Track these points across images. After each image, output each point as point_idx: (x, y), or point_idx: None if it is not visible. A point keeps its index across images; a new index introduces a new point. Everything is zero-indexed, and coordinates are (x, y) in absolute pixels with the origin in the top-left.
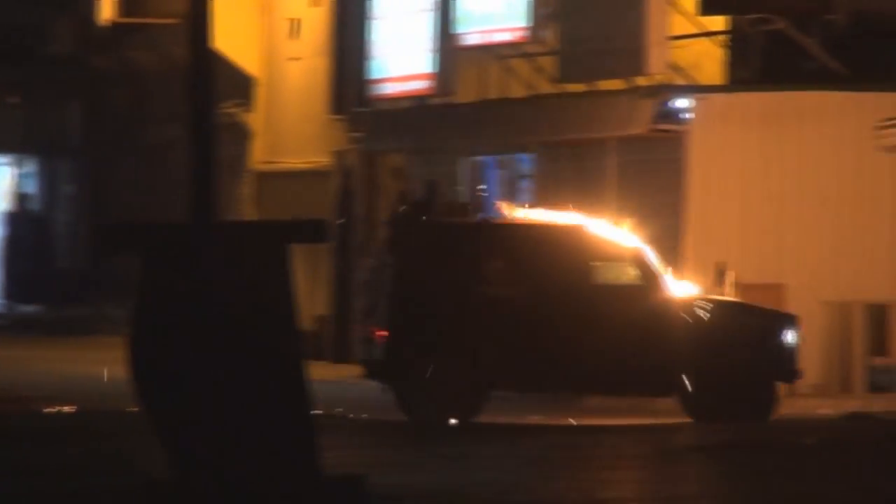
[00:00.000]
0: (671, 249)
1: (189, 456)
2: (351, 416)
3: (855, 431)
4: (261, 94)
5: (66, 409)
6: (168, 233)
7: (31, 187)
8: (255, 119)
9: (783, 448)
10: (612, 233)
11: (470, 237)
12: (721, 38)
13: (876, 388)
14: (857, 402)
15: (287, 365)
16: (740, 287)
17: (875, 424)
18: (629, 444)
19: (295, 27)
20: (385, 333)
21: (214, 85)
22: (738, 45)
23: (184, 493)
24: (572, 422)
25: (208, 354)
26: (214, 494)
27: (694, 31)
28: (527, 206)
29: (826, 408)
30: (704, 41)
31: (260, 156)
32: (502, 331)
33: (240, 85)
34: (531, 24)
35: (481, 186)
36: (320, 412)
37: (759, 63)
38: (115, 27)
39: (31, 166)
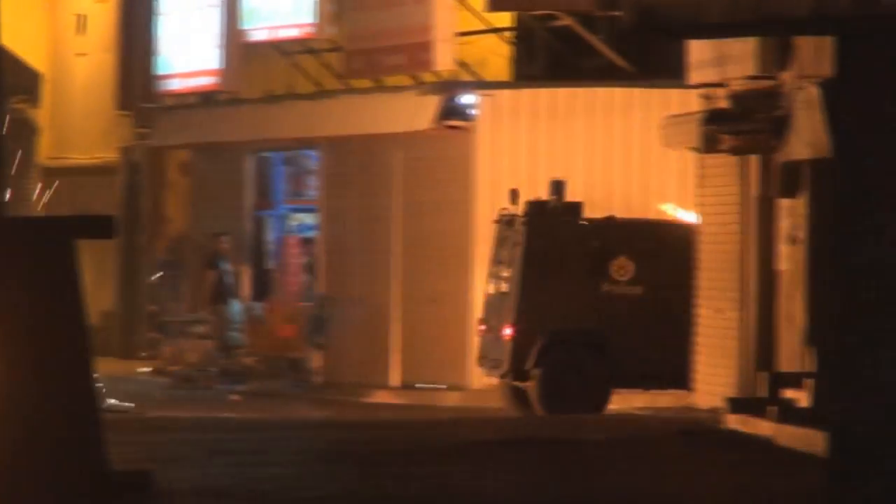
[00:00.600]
0: (457, 247)
1: None
2: (138, 411)
3: (660, 428)
4: (47, 90)
5: None
6: None
7: None
8: (41, 115)
9: (569, 442)
10: None
11: (597, 234)
12: (508, 34)
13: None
14: (644, 399)
15: (74, 360)
16: None
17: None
18: (416, 440)
19: (82, 23)
20: (513, 331)
21: (3, 80)
22: (525, 42)
23: None
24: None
25: None
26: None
27: (481, 27)
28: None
29: (614, 404)
30: (491, 38)
31: (46, 152)
32: (629, 327)
33: (26, 80)
34: (318, 21)
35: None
36: (109, 407)
37: (546, 60)
38: None
39: None
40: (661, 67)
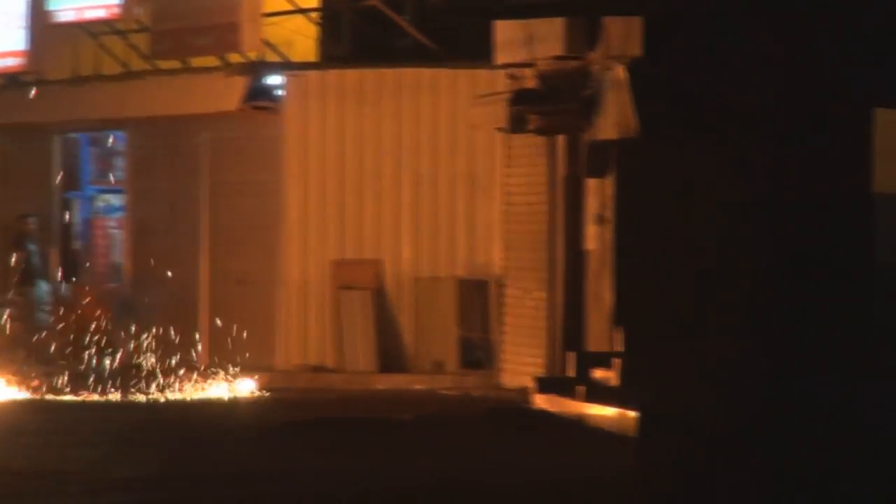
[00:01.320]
0: (269, 228)
1: None
2: None
3: (460, 407)
4: None
5: None
6: None
7: None
8: None
9: (377, 422)
10: None
11: None
12: (314, 15)
13: (469, 364)
14: (451, 379)
15: None
16: (338, 264)
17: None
18: (220, 422)
19: None
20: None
21: None
22: (331, 23)
23: None
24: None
25: None
26: None
27: (288, 8)
28: None
29: (421, 384)
30: (298, 18)
31: None
32: None
33: None
34: (125, 1)
35: None
36: None
37: (353, 41)
38: None
39: None
40: (470, 48)
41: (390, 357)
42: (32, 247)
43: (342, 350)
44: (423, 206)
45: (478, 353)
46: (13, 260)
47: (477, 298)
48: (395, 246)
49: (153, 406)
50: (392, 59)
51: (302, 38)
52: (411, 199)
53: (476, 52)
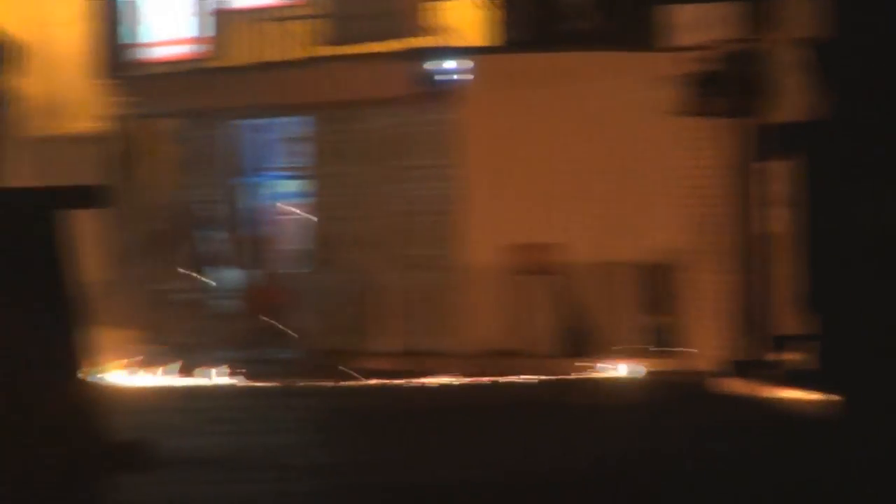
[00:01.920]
0: (447, 213)
1: None
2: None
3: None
4: (29, 59)
5: None
6: None
7: None
8: (22, 84)
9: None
10: None
11: None
12: None
13: (651, 348)
14: (635, 362)
15: (62, 332)
16: (516, 248)
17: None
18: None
19: None
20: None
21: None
22: (509, 5)
23: None
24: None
25: None
26: None
27: None
28: None
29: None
30: (473, 1)
31: (26, 122)
32: None
33: (6, 49)
34: None
35: None
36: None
37: (527, 23)
38: None
39: None
40: (646, 31)
41: (572, 341)
42: (211, 233)
43: (523, 334)
44: (604, 189)
45: (660, 336)
46: (198, 247)
47: (658, 282)
48: (574, 230)
49: (344, 391)
50: (567, 43)
51: (477, 21)
52: (591, 182)
53: (652, 34)
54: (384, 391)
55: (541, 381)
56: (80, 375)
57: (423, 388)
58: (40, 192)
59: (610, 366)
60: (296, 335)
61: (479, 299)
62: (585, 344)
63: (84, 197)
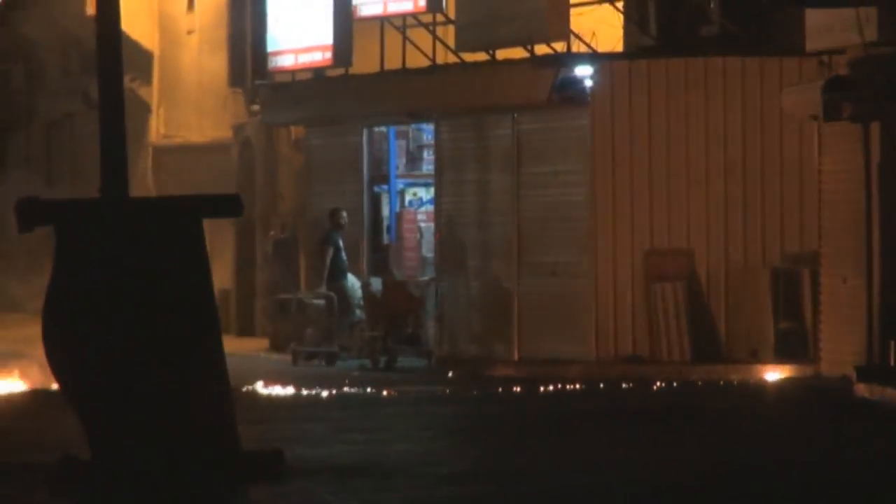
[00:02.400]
0: (578, 219)
1: (103, 434)
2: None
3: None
4: (158, 68)
5: None
6: (84, 208)
7: None
8: (152, 93)
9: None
10: None
11: None
12: (620, 4)
13: (785, 353)
14: (768, 368)
15: (204, 340)
16: (649, 254)
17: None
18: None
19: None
20: None
21: (121, 61)
22: (637, 12)
23: (99, 471)
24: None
25: (124, 331)
26: (132, 471)
27: None
28: None
29: (736, 373)
30: (604, 7)
31: (158, 130)
32: None
33: (136, 59)
34: None
35: None
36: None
37: (658, 29)
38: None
39: None
40: (777, 34)
41: (704, 347)
42: (341, 241)
43: (655, 340)
44: (734, 194)
45: (793, 341)
46: (323, 255)
47: (791, 287)
48: (707, 235)
49: (474, 398)
50: (698, 48)
51: (608, 27)
52: (721, 187)
53: (783, 38)
54: (519, 397)
55: (681, 386)
56: (225, 383)
57: (559, 393)
58: (188, 200)
59: (744, 371)
60: (426, 344)
61: (613, 306)
62: (719, 350)
63: (230, 206)
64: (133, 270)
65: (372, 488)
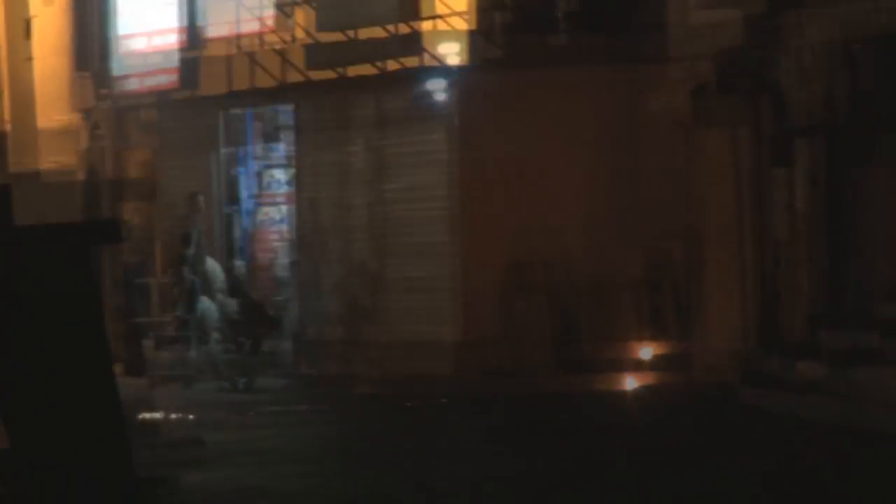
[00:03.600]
0: (438, 234)
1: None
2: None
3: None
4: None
5: None
6: None
7: None
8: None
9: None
10: None
11: None
12: (466, 16)
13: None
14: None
15: (97, 367)
16: (511, 266)
17: None
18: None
19: (29, 27)
20: None
21: None
22: (484, 23)
23: None
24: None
25: (13, 362)
26: (30, 500)
27: (440, 11)
28: None
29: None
30: (449, 20)
31: (6, 159)
32: None
33: None
34: (278, 14)
35: None
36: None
37: (505, 39)
38: None
39: None
40: (625, 41)
41: (568, 358)
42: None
43: (519, 353)
44: (596, 204)
45: (657, 357)
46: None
47: (656, 297)
48: (569, 246)
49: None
50: (552, 57)
51: (453, 41)
52: (581, 196)
53: (632, 45)
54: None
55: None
56: (119, 410)
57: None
58: (76, 227)
59: (612, 379)
60: (285, 362)
61: (474, 322)
62: (583, 360)
63: (113, 231)
64: (19, 300)
65: None
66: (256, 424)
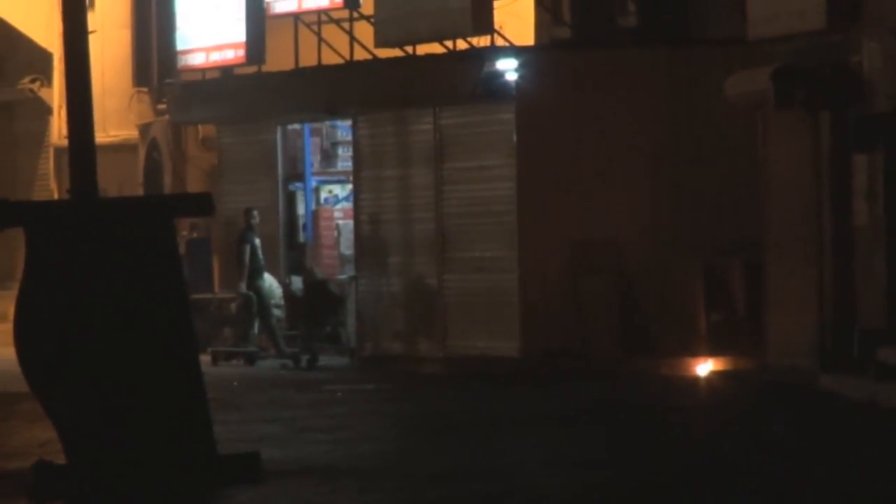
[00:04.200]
0: (505, 213)
1: (79, 438)
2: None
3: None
4: (59, 69)
5: None
6: (56, 209)
7: None
8: (53, 94)
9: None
10: None
11: None
12: None
13: (720, 345)
14: (706, 361)
15: (178, 342)
16: (577, 246)
17: None
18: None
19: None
20: None
21: (89, 69)
22: (553, 2)
23: (77, 476)
24: None
25: (99, 334)
26: (110, 476)
27: None
28: None
29: (671, 367)
30: (515, 1)
31: (60, 131)
32: None
33: (37, 60)
34: None
35: None
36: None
37: (574, 20)
38: None
39: None
40: (704, 23)
41: (635, 340)
42: (258, 240)
43: (585, 334)
44: (663, 186)
45: (725, 333)
46: (244, 254)
47: (724, 278)
48: (636, 227)
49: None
50: (619, 38)
51: (516, 20)
52: (650, 179)
53: (711, 27)
54: None
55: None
56: (201, 385)
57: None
58: (159, 200)
59: (677, 365)
60: (347, 342)
61: (540, 300)
62: (649, 343)
63: (200, 204)
64: (107, 272)
65: (358, 489)
66: (325, 401)
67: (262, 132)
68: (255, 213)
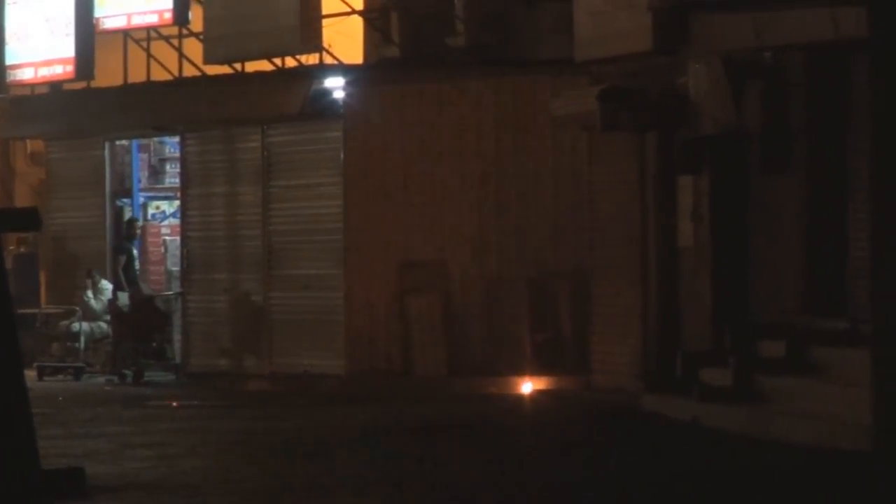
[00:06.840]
0: (331, 231)
1: None
2: None
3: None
4: None
5: None
6: None
7: None
8: None
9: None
10: None
11: None
12: (366, 16)
13: (545, 366)
14: (527, 381)
15: (4, 356)
16: (403, 266)
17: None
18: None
19: None
20: None
21: None
22: (382, 22)
23: None
24: None
25: None
26: None
27: (340, 9)
28: None
29: (495, 387)
30: (343, 19)
31: None
32: None
33: None
34: (175, 7)
35: None
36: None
37: (403, 40)
38: None
39: None
40: (523, 42)
41: (460, 361)
42: (135, 251)
43: (410, 354)
44: (489, 207)
45: (550, 353)
46: (119, 264)
47: (549, 299)
48: (462, 247)
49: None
50: (449, 59)
51: (344, 38)
52: (476, 199)
53: (532, 47)
54: None
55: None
56: (25, 401)
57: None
58: None
59: (503, 384)
60: (173, 358)
61: (365, 319)
62: (475, 362)
63: (28, 219)
64: None
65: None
66: (151, 417)
67: (91, 148)
68: (139, 223)
